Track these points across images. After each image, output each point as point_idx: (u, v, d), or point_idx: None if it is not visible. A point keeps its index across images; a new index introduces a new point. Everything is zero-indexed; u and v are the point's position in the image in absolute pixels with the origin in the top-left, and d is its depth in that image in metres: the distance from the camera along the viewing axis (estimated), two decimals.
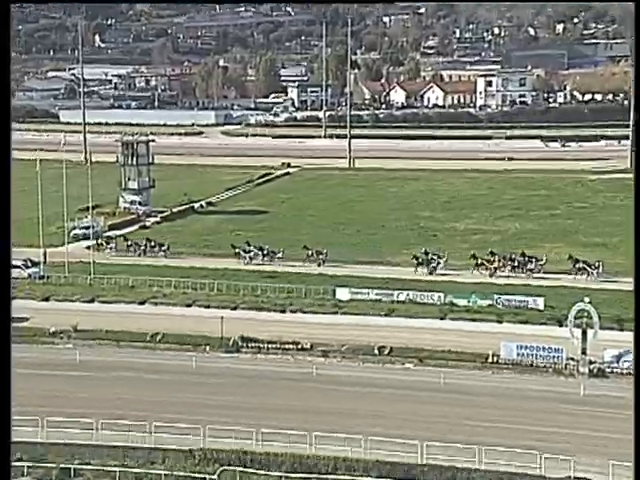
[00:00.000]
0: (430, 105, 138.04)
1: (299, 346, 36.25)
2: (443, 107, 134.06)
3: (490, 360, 34.40)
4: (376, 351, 35.73)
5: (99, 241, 53.71)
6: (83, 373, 33.62)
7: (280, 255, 50.15)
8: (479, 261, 46.80)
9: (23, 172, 75.90)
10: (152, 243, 52.42)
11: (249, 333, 37.28)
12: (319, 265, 49.18)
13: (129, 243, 52.80)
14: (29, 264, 47.11)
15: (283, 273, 48.22)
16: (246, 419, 28.96)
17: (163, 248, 51.94)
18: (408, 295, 42.99)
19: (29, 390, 31.28)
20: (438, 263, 47.73)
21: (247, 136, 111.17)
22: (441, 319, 40.43)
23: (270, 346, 36.39)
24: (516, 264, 46.66)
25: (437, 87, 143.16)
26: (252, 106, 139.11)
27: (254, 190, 77.06)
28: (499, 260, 46.84)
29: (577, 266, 46.11)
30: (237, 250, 50.91)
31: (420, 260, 47.92)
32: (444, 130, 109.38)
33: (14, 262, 46.51)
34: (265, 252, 50.77)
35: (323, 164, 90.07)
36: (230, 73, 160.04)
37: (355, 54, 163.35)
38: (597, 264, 46.05)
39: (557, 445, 27.07)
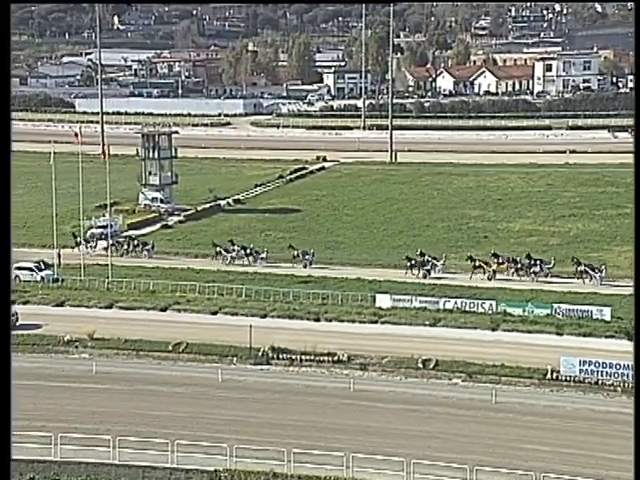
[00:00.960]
0: (481, 92, 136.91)
1: (335, 358, 36.20)
2: (496, 94, 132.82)
3: (549, 376, 33.92)
4: (420, 364, 35.51)
5: (117, 241, 54.29)
6: (100, 385, 34.02)
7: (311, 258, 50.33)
8: (477, 263, 46.96)
9: (36, 166, 78.01)
10: (247, 248, 51.87)
11: (280, 343, 37.33)
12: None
13: (222, 247, 52.28)
14: (42, 266, 47.81)
15: (318, 278, 48.25)
16: (276, 438, 29.00)
17: (260, 254, 51.38)
18: (456, 303, 42.65)
19: (41, 404, 31.81)
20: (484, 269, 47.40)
21: (278, 127, 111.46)
22: (493, 330, 40.01)
23: (303, 358, 36.40)
24: (520, 266, 46.65)
25: (489, 72, 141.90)
26: (284, 94, 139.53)
27: (286, 186, 77.13)
28: (502, 263, 46.88)
29: None
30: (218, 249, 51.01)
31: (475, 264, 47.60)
32: (496, 120, 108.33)
33: (26, 264, 47.50)
34: (300, 254, 50.56)
35: (362, 158, 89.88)
36: (260, 58, 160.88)
37: (398, 36, 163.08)
38: None
39: (627, 475, 26.53)
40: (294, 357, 36.56)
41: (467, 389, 33.63)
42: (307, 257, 50.47)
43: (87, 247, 52.54)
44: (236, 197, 70.76)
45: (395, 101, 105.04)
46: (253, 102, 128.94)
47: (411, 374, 35.12)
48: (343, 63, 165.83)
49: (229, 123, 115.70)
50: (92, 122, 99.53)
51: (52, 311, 42.51)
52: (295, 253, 50.68)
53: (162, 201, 65.27)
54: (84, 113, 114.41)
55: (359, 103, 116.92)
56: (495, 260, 47.35)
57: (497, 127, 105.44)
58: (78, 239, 53.45)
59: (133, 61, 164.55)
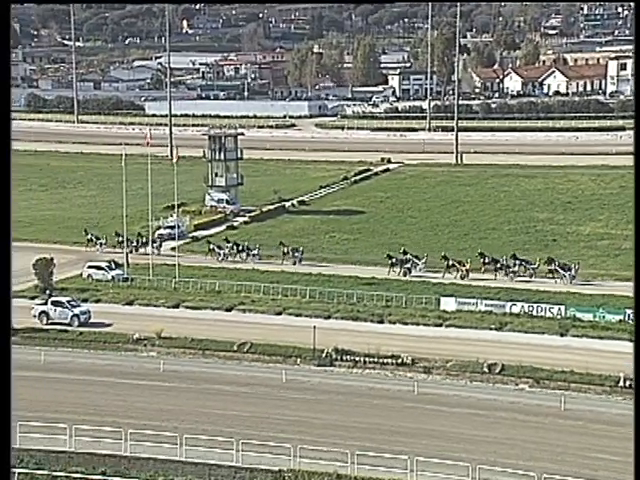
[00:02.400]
0: (550, 93, 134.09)
1: (399, 361, 36.05)
2: (566, 95, 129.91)
3: (621, 384, 33.02)
4: (485, 369, 35.05)
5: (184, 242, 55.22)
6: (167, 384, 34.65)
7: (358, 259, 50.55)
8: (450, 262, 47.87)
9: (108, 168, 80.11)
10: (240, 245, 53.46)
11: (344, 345, 37.38)
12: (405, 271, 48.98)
13: (215, 244, 54.00)
14: (113, 266, 49.06)
15: (381, 280, 48.13)
16: (340, 439, 29.04)
17: (252, 251, 52.91)
18: (523, 307, 41.94)
19: (112, 400, 32.66)
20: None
21: (343, 129, 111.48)
22: (562, 335, 39.20)
23: (367, 360, 36.37)
24: (500, 266, 47.50)
25: (559, 72, 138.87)
26: (349, 96, 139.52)
27: (350, 188, 77.10)
28: (488, 262, 47.53)
29: None
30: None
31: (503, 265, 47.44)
32: (566, 121, 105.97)
33: (98, 264, 48.85)
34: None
35: (427, 159, 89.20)
36: (325, 60, 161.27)
37: (465, 37, 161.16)
38: None
39: None
40: (358, 359, 36.55)
41: (534, 395, 33.02)
42: (297, 254, 51.35)
43: (154, 247, 53.39)
44: (301, 198, 71.09)
45: (461, 102, 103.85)
46: (318, 104, 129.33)
47: (476, 378, 34.68)
48: (408, 64, 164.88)
49: (294, 125, 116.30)
50: (161, 124, 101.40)
51: (122, 310, 43.53)
52: (285, 250, 51.59)
53: (228, 202, 66.10)
54: (153, 116, 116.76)
55: (424, 105, 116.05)
56: (481, 260, 48.04)
57: (567, 128, 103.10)
58: (142, 240, 54.49)
59: (201, 64, 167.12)
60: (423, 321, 41.46)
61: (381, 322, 41.78)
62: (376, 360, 36.23)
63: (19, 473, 27.31)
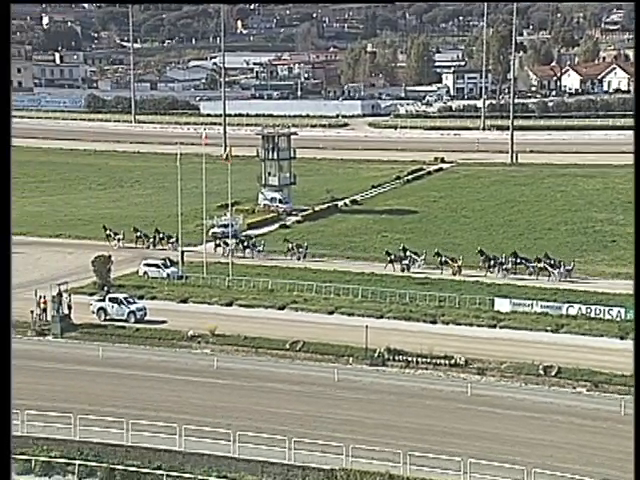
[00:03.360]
0: (611, 90, 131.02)
1: (452, 361, 35.77)
2: (627, 92, 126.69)
3: None
4: (541, 371, 34.51)
5: (237, 240, 55.71)
6: (220, 381, 35.04)
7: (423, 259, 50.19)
8: (443, 259, 48.98)
9: (164, 167, 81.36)
10: (244, 241, 54.10)
11: (396, 345, 37.27)
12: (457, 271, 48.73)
13: (222, 240, 54.49)
14: (168, 263, 49.80)
15: (435, 280, 47.81)
16: (392, 439, 28.96)
17: (303, 250, 53.25)
18: (580, 309, 41.13)
19: (167, 396, 33.18)
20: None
21: (396, 128, 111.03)
22: (621, 338, 38.33)
23: (419, 360, 36.19)
24: (493, 263, 48.11)
25: (620, 69, 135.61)
26: (402, 95, 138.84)
27: (403, 188, 76.74)
28: (488, 260, 48.27)
29: None
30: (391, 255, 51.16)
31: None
32: (628, 119, 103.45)
33: (154, 261, 49.68)
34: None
35: (481, 159, 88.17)
36: (378, 59, 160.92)
37: (521, 34, 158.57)
38: None
39: None
40: (410, 359, 36.40)
41: (592, 399, 32.37)
42: (301, 250, 52.05)
43: (220, 247, 53.77)
44: (353, 198, 70.95)
45: (517, 101, 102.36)
46: (371, 103, 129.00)
47: (531, 380, 34.16)
48: (463, 63, 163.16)
49: (347, 124, 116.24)
50: (215, 124, 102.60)
51: (177, 307, 44.14)
52: (290, 246, 52.49)
53: (280, 201, 66.39)
54: (208, 115, 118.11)
55: (479, 103, 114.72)
56: (481, 257, 48.78)
57: (628, 126, 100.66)
58: (158, 236, 55.43)
59: (255, 64, 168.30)
60: (477, 322, 41.02)
61: (434, 322, 41.50)
62: (429, 360, 35.99)
63: (79, 465, 27.99)
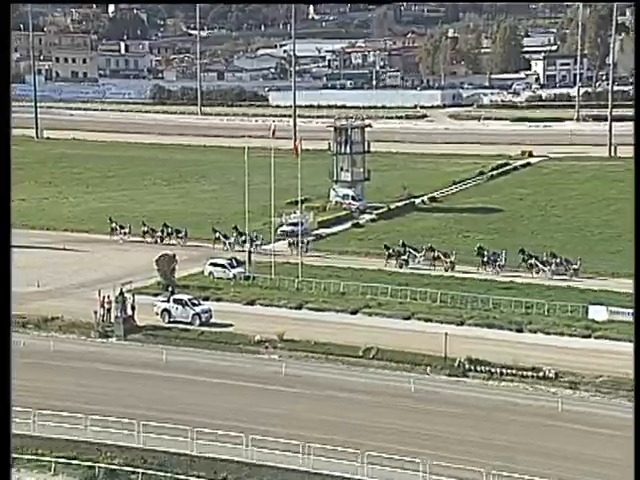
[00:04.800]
0: None
1: (540, 374, 35.11)
2: None
3: None
4: None
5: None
6: (289, 389, 35.24)
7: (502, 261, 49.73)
8: (435, 254, 50.55)
9: (230, 161, 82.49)
10: (244, 235, 54.83)
11: (478, 354, 36.80)
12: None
13: (222, 234, 55.65)
14: (234, 263, 50.40)
15: (521, 284, 46.98)
16: (475, 457, 28.59)
17: (256, 241, 54.34)
18: None
19: (232, 403, 33.59)
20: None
21: (479, 120, 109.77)
22: None
23: (504, 371, 35.63)
24: (487, 260, 49.65)
25: None
26: (486, 84, 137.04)
27: (487, 184, 75.85)
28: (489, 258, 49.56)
29: None
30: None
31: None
32: None
33: (220, 261, 50.39)
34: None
35: (575, 153, 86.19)
36: (461, 45, 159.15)
37: (623, 14, 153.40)
38: None
39: None
40: (493, 370, 35.88)
41: None
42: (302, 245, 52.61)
43: (292, 246, 54.48)
44: (432, 195, 70.48)
45: (616, 88, 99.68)
46: (452, 93, 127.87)
47: (631, 397, 33.13)
48: (555, 47, 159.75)
49: (426, 115, 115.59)
50: (285, 116, 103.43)
51: (243, 309, 44.61)
52: (291, 241, 53.75)
53: (354, 198, 66.36)
54: (277, 107, 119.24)
55: (572, 92, 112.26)
56: (484, 254, 50.18)
57: None
58: (167, 230, 57.08)
59: (327, 52, 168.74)
60: (568, 331, 40.13)
61: (520, 331, 40.80)
62: (514, 372, 35.40)
63: (142, 473, 28.62)
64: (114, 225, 58.71)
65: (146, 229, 57.83)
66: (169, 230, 57.48)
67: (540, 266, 48.76)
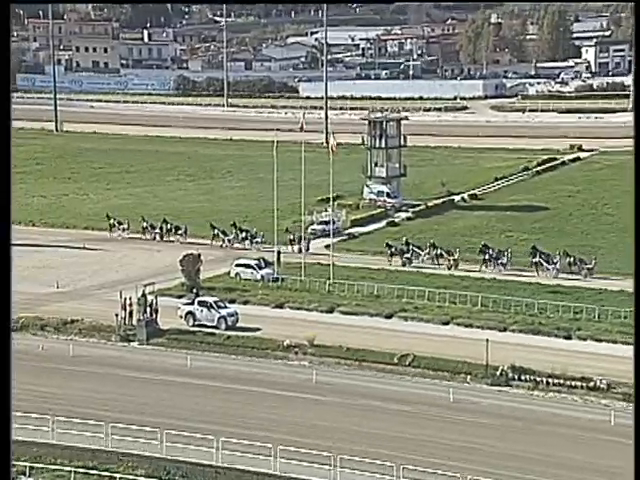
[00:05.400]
0: None
1: (591, 384, 34.83)
2: None
3: None
4: None
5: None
6: (320, 397, 35.34)
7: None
8: (438, 252, 51.55)
9: (258, 156, 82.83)
10: (244, 231, 55.81)
11: (522, 362, 36.59)
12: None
13: (220, 230, 56.25)
14: (262, 264, 50.59)
15: (569, 288, 46.61)
16: (518, 472, 28.43)
17: (255, 238, 55.17)
18: None
19: (262, 412, 33.72)
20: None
21: (524, 111, 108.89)
22: None
23: (550, 381, 35.42)
24: (488, 258, 50.53)
25: None
26: (532, 73, 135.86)
27: (532, 180, 75.24)
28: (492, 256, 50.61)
29: None
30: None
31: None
32: None
33: (247, 262, 50.60)
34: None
35: (629, 146, 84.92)
36: (504, 31, 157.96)
37: None
38: None
39: None
40: (539, 379, 35.70)
41: None
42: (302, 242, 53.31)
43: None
44: (472, 192, 70.10)
45: None
46: (495, 83, 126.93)
47: None
48: (608, 33, 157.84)
49: (466, 107, 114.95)
50: (316, 108, 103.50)
51: (271, 313, 44.80)
52: (291, 237, 54.51)
53: (389, 195, 66.26)
54: (308, 98, 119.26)
55: (627, 80, 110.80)
56: (486, 251, 50.87)
57: None
58: (166, 227, 57.85)
59: (361, 39, 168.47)
60: (622, 339, 39.67)
61: (568, 338, 40.53)
62: (562, 382, 35.16)
63: None
64: (112, 221, 59.85)
65: (145, 225, 58.87)
66: (168, 227, 58.45)
67: (545, 265, 49.40)
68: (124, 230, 58.88)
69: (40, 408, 32.46)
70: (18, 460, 29.55)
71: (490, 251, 51.07)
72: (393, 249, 52.31)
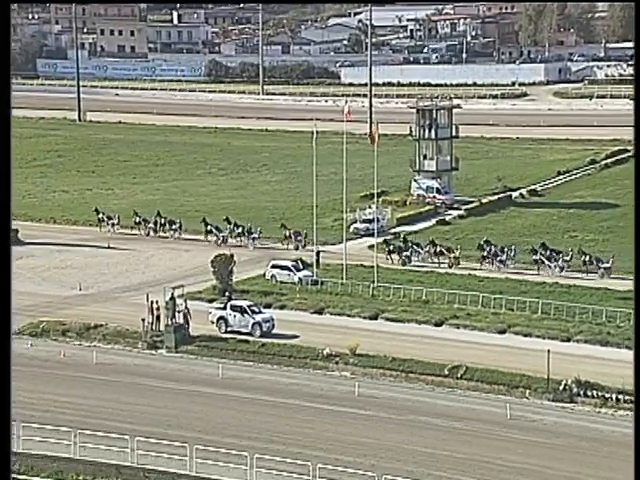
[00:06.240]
0: None
1: None
2: None
3: None
4: None
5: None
6: (363, 411, 35.32)
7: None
8: (438, 249, 52.71)
9: (296, 148, 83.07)
10: (239, 227, 56.89)
11: (588, 376, 36.29)
12: None
13: (214, 226, 57.26)
14: (300, 266, 50.72)
15: None
16: None
17: (252, 234, 56.22)
18: None
19: (300, 427, 33.82)
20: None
21: (591, 98, 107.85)
22: None
23: (622, 398, 35.09)
24: (486, 255, 52.16)
25: None
26: (601, 55, 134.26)
27: (600, 174, 74.66)
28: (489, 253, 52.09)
29: None
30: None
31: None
32: None
33: (284, 263, 50.77)
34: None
35: None
36: (570, 9, 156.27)
37: None
38: None
39: None
40: (608, 396, 35.41)
41: None
42: (299, 238, 55.28)
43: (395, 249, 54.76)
44: (532, 187, 69.88)
45: None
46: (558, 66, 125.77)
47: None
48: None
49: (525, 94, 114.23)
50: (359, 95, 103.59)
51: (310, 319, 44.94)
52: (287, 234, 55.86)
53: (439, 191, 66.02)
54: (350, 85, 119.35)
55: None
56: (487, 248, 52.34)
57: None
58: (161, 221, 59.17)
59: (409, 20, 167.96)
60: None
61: None
62: (634, 399, 34.66)
63: None
64: (101, 216, 61.03)
65: (138, 220, 59.93)
66: (162, 221, 59.49)
67: (547, 262, 50.58)
68: (113, 225, 60.30)
69: (61, 420, 32.89)
70: (38, 476, 29.98)
71: (543, 252, 51.19)
72: (391, 247, 53.30)
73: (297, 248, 55.39)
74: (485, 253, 52.15)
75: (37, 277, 51.49)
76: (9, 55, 23.78)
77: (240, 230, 57.20)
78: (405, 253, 53.02)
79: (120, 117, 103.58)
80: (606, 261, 50.19)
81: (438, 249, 52.79)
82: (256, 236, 56.82)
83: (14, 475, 28.17)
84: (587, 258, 50.62)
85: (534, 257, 51.21)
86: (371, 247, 54.06)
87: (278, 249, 55.66)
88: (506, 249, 52.19)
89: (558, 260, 50.66)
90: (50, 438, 31.14)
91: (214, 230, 57.54)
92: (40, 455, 30.73)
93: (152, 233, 59.30)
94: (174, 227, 59.02)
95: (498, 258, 51.73)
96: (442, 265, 52.15)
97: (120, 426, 32.77)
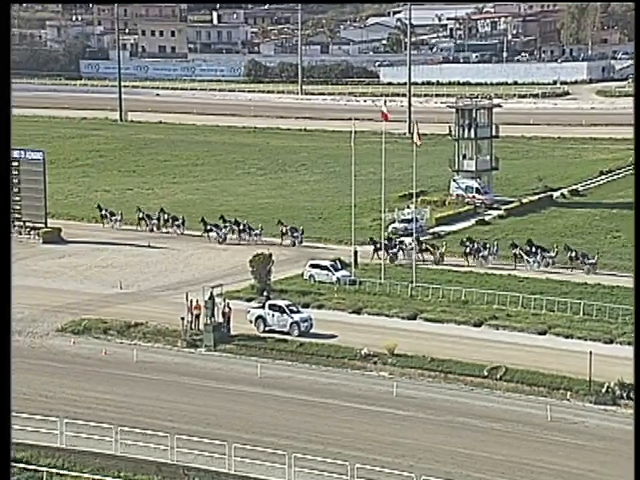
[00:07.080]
0: None
1: None
2: None
3: None
4: None
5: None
6: (401, 412, 35.25)
7: None
8: (423, 246, 52.83)
9: (335, 147, 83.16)
10: (240, 224, 57.25)
11: (632, 378, 35.58)
12: None
13: (210, 224, 57.78)
14: (339, 266, 50.72)
15: None
16: None
17: (254, 230, 56.53)
18: None
19: (338, 427, 33.85)
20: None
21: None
22: None
23: None
24: (470, 251, 52.45)
25: None
26: None
27: None
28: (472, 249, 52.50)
29: None
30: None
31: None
32: None
33: (322, 263, 50.83)
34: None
35: None
36: (614, 6, 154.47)
37: None
38: None
39: None
40: None
41: None
42: (295, 234, 56.11)
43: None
44: (573, 187, 69.50)
45: None
46: (602, 65, 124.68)
47: None
48: None
49: (567, 93, 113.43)
50: (398, 95, 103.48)
51: (348, 318, 44.93)
52: (283, 230, 56.45)
53: (478, 191, 65.74)
54: (389, 84, 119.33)
55: None
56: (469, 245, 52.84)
57: None
58: (163, 216, 60.11)
59: (449, 19, 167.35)
60: None
61: None
62: None
63: None
64: (104, 212, 61.69)
65: (141, 215, 60.55)
66: (165, 217, 60.05)
67: (525, 257, 50.92)
68: (117, 221, 61.12)
69: (104, 417, 33.26)
70: (82, 472, 30.37)
71: (576, 251, 51.12)
72: (378, 245, 52.88)
73: (293, 244, 55.84)
74: (516, 251, 51.77)
75: (79, 275, 52.10)
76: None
77: (241, 227, 57.36)
78: (392, 250, 53.04)
79: (161, 117, 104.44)
80: (592, 257, 50.62)
81: (424, 246, 52.89)
82: (258, 232, 57.07)
83: (13, 463, 28.63)
84: (573, 253, 50.99)
85: (569, 255, 51.04)
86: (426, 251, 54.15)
87: (274, 244, 55.55)
88: (539, 250, 51.72)
89: (592, 259, 50.46)
90: (94, 435, 31.52)
91: (213, 228, 57.88)
92: (83, 451, 31.10)
93: (156, 229, 60.06)
94: (177, 223, 59.51)
95: (481, 253, 51.89)
96: (426, 262, 52.05)
97: (160, 424, 33.06)
